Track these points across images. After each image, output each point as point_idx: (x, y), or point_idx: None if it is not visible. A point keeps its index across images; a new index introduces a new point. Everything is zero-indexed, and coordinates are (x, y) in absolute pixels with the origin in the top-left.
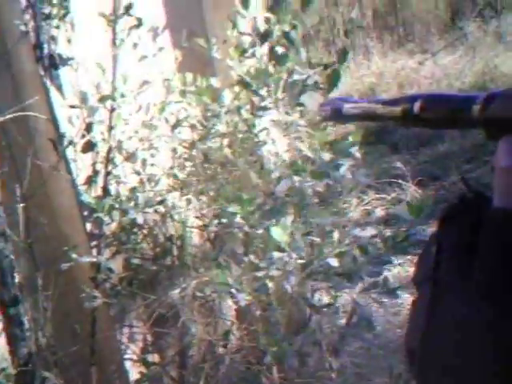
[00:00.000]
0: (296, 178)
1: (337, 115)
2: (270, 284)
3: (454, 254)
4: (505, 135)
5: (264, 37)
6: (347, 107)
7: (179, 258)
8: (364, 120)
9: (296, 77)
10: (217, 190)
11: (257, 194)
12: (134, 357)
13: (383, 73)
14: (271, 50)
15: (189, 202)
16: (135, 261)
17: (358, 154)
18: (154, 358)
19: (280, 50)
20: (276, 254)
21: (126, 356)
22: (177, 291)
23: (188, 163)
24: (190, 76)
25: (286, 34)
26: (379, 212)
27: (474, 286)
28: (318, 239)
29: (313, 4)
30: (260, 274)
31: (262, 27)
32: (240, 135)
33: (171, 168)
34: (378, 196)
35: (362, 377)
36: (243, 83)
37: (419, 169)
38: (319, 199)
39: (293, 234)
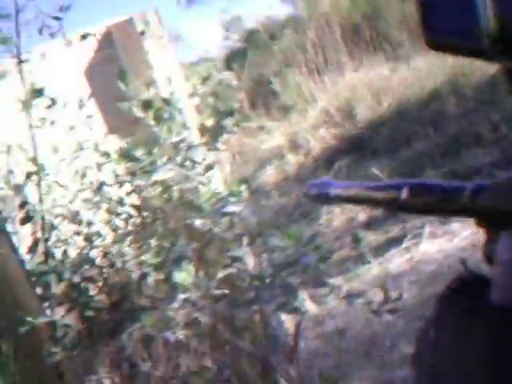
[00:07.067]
0: None
1: (323, 198)
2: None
3: (453, 343)
4: (503, 229)
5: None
6: (336, 191)
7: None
8: (351, 203)
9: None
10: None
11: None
12: None
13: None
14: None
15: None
16: (89, 313)
17: None
18: None
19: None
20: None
21: None
22: (125, 336)
23: (122, 216)
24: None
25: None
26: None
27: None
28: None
29: None
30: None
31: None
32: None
33: (109, 222)
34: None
35: None
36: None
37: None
38: None
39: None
